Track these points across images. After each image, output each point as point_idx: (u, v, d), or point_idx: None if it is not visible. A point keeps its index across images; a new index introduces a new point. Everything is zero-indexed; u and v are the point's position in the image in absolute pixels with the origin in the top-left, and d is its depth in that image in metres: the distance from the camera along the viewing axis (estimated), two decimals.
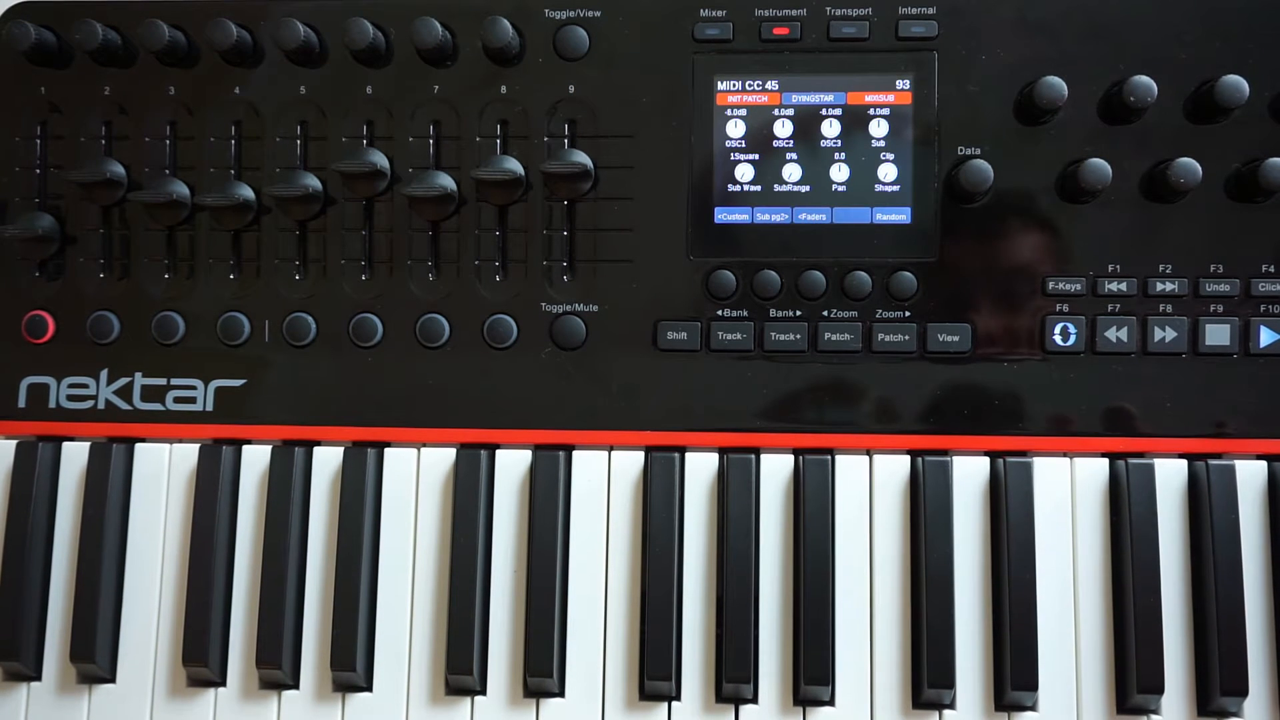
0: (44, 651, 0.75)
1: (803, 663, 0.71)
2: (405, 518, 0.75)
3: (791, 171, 0.75)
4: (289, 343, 0.76)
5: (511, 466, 0.76)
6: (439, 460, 0.76)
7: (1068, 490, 0.74)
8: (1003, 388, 0.74)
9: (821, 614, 0.72)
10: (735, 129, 0.75)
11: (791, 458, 0.75)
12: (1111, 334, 0.73)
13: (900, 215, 0.74)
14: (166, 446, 0.77)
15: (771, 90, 0.75)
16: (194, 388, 0.77)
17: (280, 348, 0.77)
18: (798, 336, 0.74)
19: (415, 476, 0.76)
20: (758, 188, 0.75)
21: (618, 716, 0.72)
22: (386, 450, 0.76)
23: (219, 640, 0.74)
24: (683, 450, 0.75)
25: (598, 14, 0.76)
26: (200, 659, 0.73)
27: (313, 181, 0.76)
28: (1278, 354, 0.73)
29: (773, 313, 0.75)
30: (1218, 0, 0.74)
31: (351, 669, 0.73)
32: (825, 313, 0.74)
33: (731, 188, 0.75)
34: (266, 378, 0.77)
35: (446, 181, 0.75)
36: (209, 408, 0.77)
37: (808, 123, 0.75)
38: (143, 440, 0.77)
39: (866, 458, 0.75)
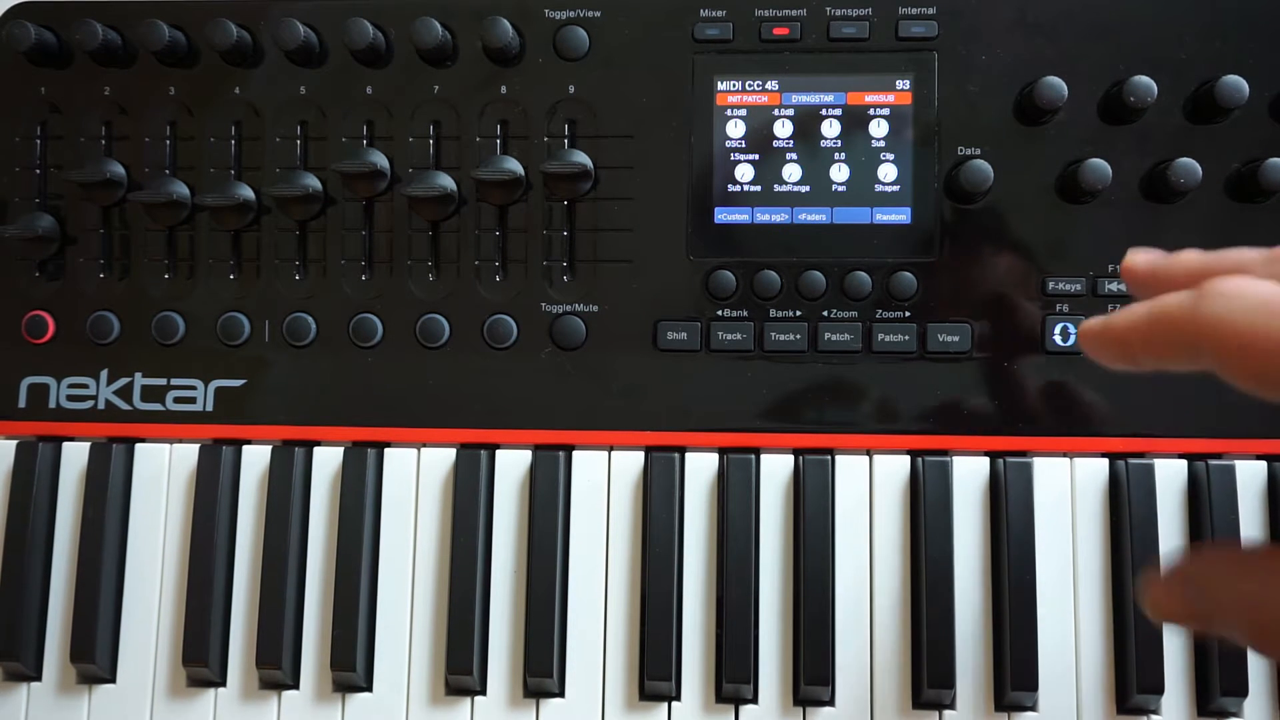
0: (44, 651, 0.75)
1: (803, 663, 0.71)
2: (405, 518, 0.75)
3: (791, 171, 0.75)
4: (289, 343, 0.76)
5: (511, 466, 0.76)
6: (439, 460, 0.76)
7: (1068, 490, 0.74)
8: (1003, 388, 0.74)
9: (821, 614, 0.72)
10: (735, 129, 0.75)
11: (791, 458, 0.75)
12: None
13: (900, 215, 0.74)
14: (166, 447, 0.77)
15: (771, 90, 0.75)
16: (194, 388, 0.77)
17: (280, 348, 0.77)
18: (798, 336, 0.74)
19: (415, 476, 0.76)
20: (758, 188, 0.75)
21: (618, 716, 0.72)
22: (386, 450, 0.76)
23: (219, 640, 0.74)
24: (683, 450, 0.75)
25: (598, 14, 0.76)
26: (200, 659, 0.73)
27: (313, 181, 0.76)
28: None
29: (773, 313, 0.75)
30: (1218, 0, 0.74)
31: (351, 669, 0.73)
32: (825, 313, 0.74)
33: (731, 188, 0.75)
34: (266, 378, 0.77)
35: (446, 181, 0.75)
36: (209, 408, 0.77)
37: (808, 123, 0.75)
38: (143, 440, 0.77)
39: (866, 458, 0.75)
